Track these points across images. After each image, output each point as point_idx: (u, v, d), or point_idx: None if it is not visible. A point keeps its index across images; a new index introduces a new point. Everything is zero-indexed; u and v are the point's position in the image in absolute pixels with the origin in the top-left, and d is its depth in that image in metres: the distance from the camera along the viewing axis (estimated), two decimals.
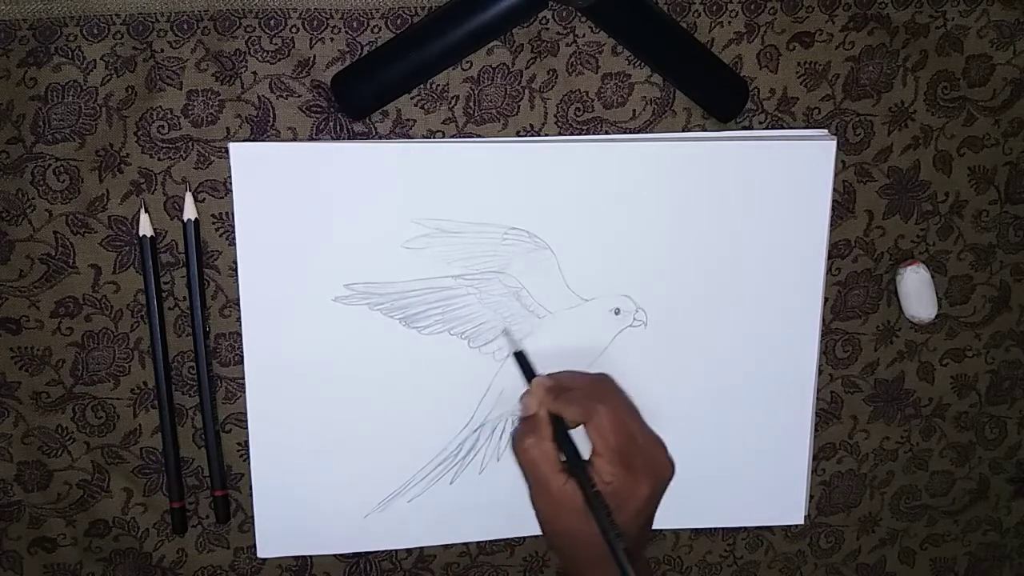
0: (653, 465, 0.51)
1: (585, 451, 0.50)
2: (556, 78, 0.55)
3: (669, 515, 0.62)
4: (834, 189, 0.58)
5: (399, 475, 0.58)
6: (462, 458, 0.58)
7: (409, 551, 0.60)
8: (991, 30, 0.58)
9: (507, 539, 0.61)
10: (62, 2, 0.50)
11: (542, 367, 0.54)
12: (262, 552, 0.58)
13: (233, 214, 0.53)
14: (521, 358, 0.54)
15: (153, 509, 0.57)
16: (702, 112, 0.57)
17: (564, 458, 0.50)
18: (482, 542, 0.61)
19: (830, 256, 0.60)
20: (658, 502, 0.52)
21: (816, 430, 0.63)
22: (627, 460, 0.49)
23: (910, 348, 0.63)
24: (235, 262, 0.54)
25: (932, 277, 0.61)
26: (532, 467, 0.50)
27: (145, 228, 0.53)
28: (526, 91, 0.55)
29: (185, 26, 0.51)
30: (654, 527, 0.62)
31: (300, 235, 0.54)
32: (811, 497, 0.64)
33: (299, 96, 0.53)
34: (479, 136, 0.55)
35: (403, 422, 0.57)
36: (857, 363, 0.63)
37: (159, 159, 0.53)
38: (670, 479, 0.52)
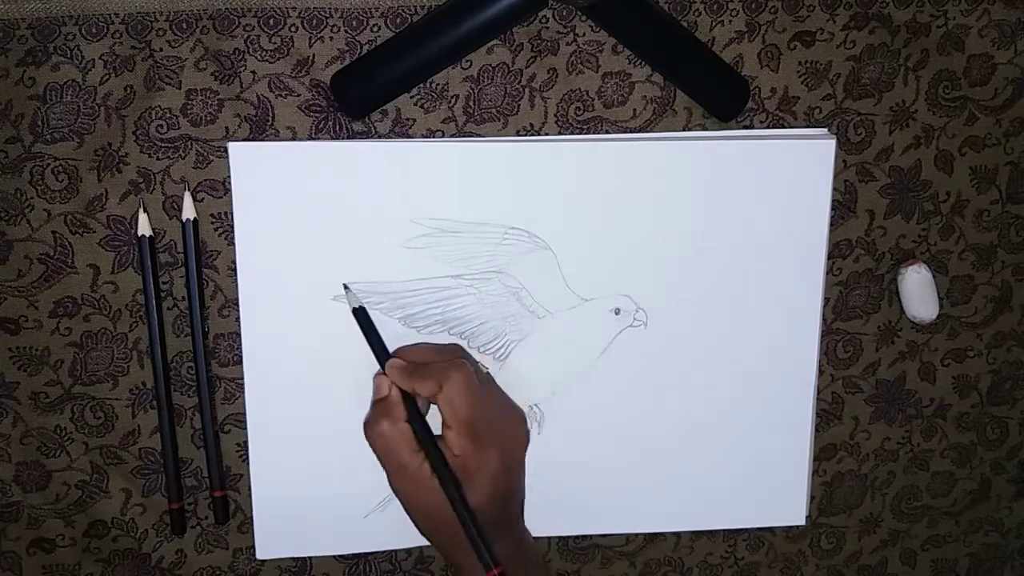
0: (503, 435, 0.51)
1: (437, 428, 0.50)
2: (556, 77, 0.55)
3: (670, 517, 0.62)
4: (835, 189, 0.58)
5: None
6: None
7: (409, 552, 0.60)
8: (992, 29, 0.58)
9: None
10: (61, 1, 0.50)
11: (542, 366, 0.54)
12: (261, 553, 0.58)
13: (232, 214, 0.53)
14: (361, 316, 0.53)
15: (152, 510, 0.57)
16: (703, 111, 0.57)
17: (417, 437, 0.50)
18: None
19: (831, 256, 0.60)
20: (517, 473, 0.52)
21: (817, 430, 0.62)
22: (475, 431, 0.49)
23: (911, 348, 0.63)
24: (234, 262, 0.54)
25: (933, 277, 0.61)
26: (387, 451, 0.50)
27: (144, 228, 0.53)
28: (526, 90, 0.55)
29: (184, 25, 0.51)
30: (655, 530, 0.62)
31: (299, 235, 0.53)
32: (812, 498, 0.64)
33: (298, 95, 0.53)
34: (479, 135, 0.55)
35: None
36: (858, 363, 0.63)
37: (158, 159, 0.53)
38: (524, 448, 0.52)
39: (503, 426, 0.51)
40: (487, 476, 0.49)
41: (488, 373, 0.54)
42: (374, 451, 0.51)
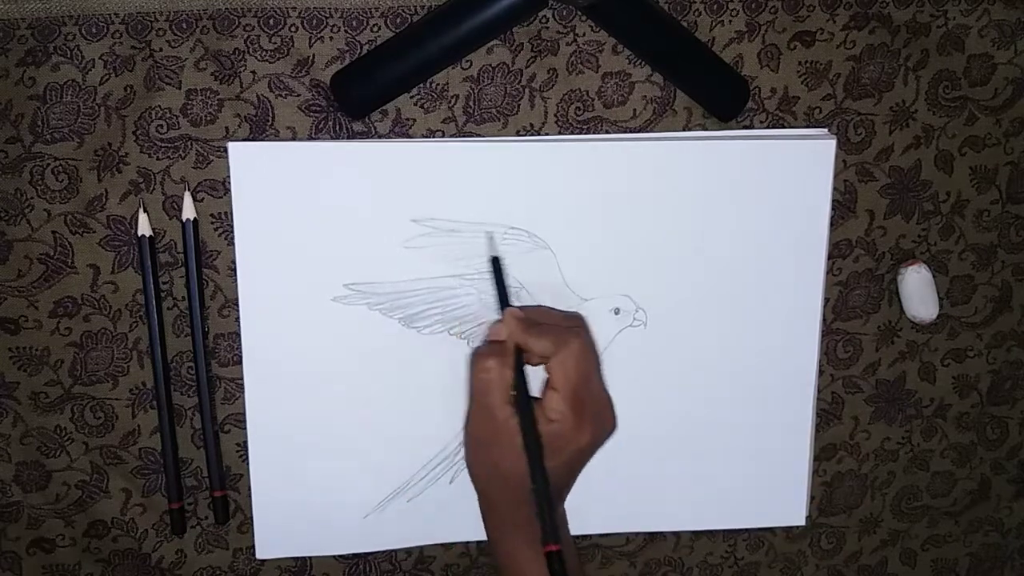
0: (600, 416, 0.51)
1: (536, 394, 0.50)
2: (556, 77, 0.55)
3: (670, 516, 0.62)
4: (835, 189, 0.58)
5: (399, 475, 0.58)
6: (462, 458, 0.58)
7: (409, 552, 0.60)
8: (992, 29, 0.58)
9: None
10: (61, 1, 0.50)
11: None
12: (261, 553, 0.58)
13: (232, 214, 0.53)
14: (497, 265, 0.54)
15: (152, 510, 0.57)
16: (703, 111, 0.57)
17: (514, 392, 0.50)
18: (482, 542, 0.61)
19: (831, 256, 0.60)
20: (590, 457, 0.52)
21: (817, 430, 0.62)
22: (578, 403, 0.49)
23: (911, 348, 0.63)
24: (234, 262, 0.54)
25: (933, 277, 0.61)
26: (484, 390, 0.50)
27: (144, 228, 0.53)
28: (526, 90, 0.55)
29: (184, 25, 0.51)
30: (655, 530, 0.62)
31: (299, 235, 0.53)
32: (812, 498, 0.64)
33: (298, 95, 0.53)
34: (479, 135, 0.55)
35: (402, 422, 0.57)
36: (858, 363, 0.63)
37: (158, 159, 0.53)
38: (610, 435, 0.52)
39: (601, 407, 0.51)
40: (574, 449, 0.49)
41: (597, 351, 0.54)
42: (470, 384, 0.51)
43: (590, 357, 0.51)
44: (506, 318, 0.52)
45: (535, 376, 0.51)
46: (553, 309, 0.55)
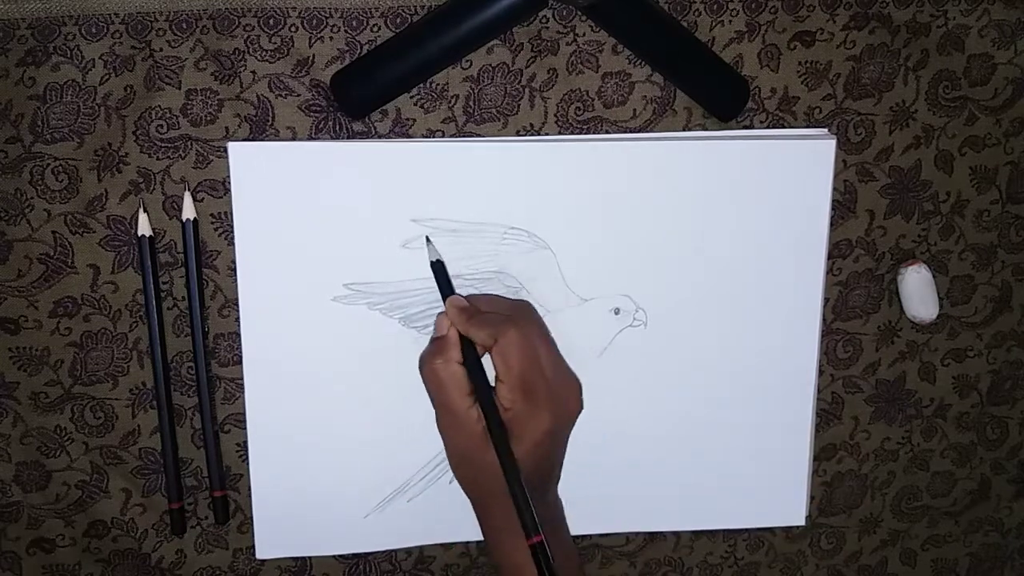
0: (558, 399, 0.50)
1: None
2: (556, 77, 0.55)
3: (670, 517, 0.62)
4: (835, 189, 0.58)
5: (398, 475, 0.58)
6: None
7: (409, 551, 0.60)
8: (992, 29, 0.58)
9: None
10: (61, 1, 0.50)
11: None
12: (261, 553, 0.58)
13: (232, 214, 0.53)
14: (439, 268, 0.53)
15: (152, 510, 0.57)
16: (703, 111, 0.57)
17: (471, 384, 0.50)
18: (482, 542, 0.61)
19: (831, 256, 0.60)
20: (561, 440, 0.52)
21: (817, 430, 0.62)
22: (529, 389, 0.49)
23: (911, 348, 0.63)
24: (234, 262, 0.54)
25: (933, 277, 0.61)
26: (438, 388, 0.50)
27: (144, 228, 0.53)
28: (526, 90, 0.55)
29: (184, 25, 0.51)
30: (655, 530, 0.62)
31: (299, 235, 0.53)
32: (812, 498, 0.64)
33: (298, 95, 0.53)
34: (479, 135, 0.55)
35: (402, 422, 0.57)
36: (858, 363, 0.63)
37: (158, 159, 0.53)
38: (574, 417, 0.52)
39: (558, 389, 0.51)
40: (534, 436, 0.49)
41: (548, 334, 0.53)
42: (426, 387, 0.51)
43: (533, 342, 0.50)
44: (448, 307, 0.52)
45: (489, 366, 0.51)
46: (501, 297, 0.55)
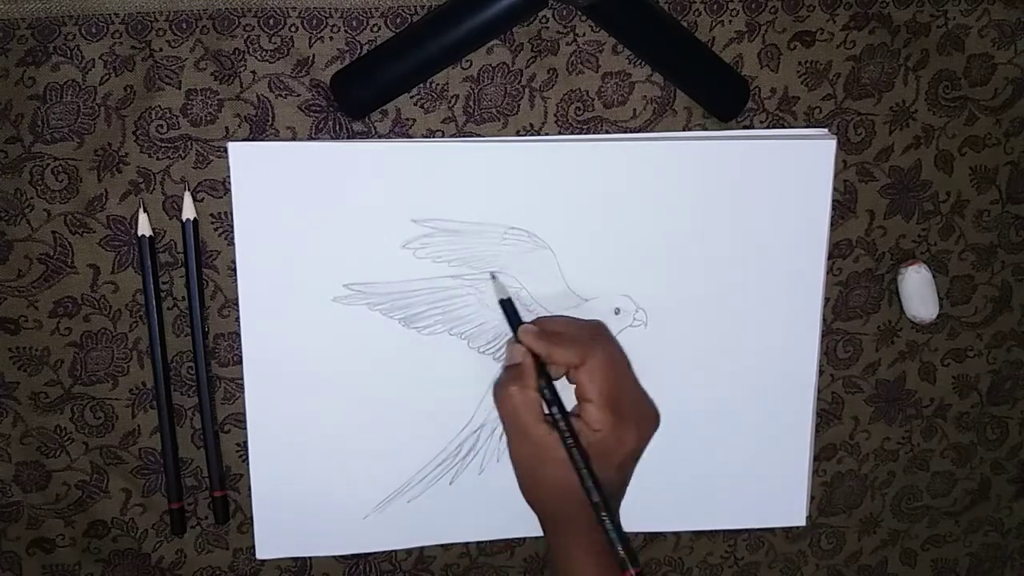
0: (642, 415, 0.50)
1: (569, 405, 0.50)
2: (556, 77, 0.55)
3: (670, 517, 0.62)
4: (835, 189, 0.58)
5: (399, 475, 0.58)
6: (462, 458, 0.58)
7: (409, 552, 0.60)
8: (992, 29, 0.58)
9: (507, 539, 0.61)
10: (61, 1, 0.50)
11: None
12: (261, 553, 0.58)
13: (232, 214, 0.53)
14: (508, 306, 0.54)
15: (152, 510, 0.57)
16: (703, 111, 0.57)
17: (547, 411, 0.49)
18: (482, 542, 0.61)
19: (831, 256, 0.60)
20: (639, 456, 0.51)
21: (817, 431, 0.62)
22: (617, 408, 0.49)
23: (911, 348, 0.63)
24: (234, 262, 0.54)
25: (933, 277, 0.61)
26: (513, 416, 0.50)
27: (144, 228, 0.53)
28: (526, 90, 0.55)
29: (184, 25, 0.51)
30: (655, 530, 0.62)
31: (299, 235, 0.53)
32: (812, 498, 0.64)
33: (298, 95, 0.53)
34: (479, 135, 0.55)
35: (403, 422, 0.57)
36: (858, 363, 0.63)
37: (158, 159, 0.53)
38: (655, 428, 0.52)
39: (642, 407, 0.51)
40: (623, 454, 0.48)
41: (623, 351, 0.53)
42: (500, 415, 0.50)
43: (619, 360, 0.50)
44: (521, 334, 0.52)
45: (563, 389, 0.51)
46: (572, 318, 0.55)
